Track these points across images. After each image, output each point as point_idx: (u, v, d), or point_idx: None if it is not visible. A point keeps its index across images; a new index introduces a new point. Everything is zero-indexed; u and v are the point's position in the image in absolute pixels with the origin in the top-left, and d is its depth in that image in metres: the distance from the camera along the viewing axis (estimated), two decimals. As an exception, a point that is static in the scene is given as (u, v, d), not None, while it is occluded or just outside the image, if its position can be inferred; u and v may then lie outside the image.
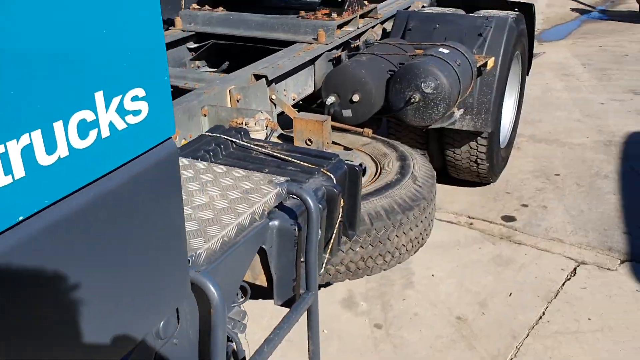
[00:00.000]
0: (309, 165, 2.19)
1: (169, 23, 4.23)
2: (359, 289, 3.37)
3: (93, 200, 0.91)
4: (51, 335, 0.90)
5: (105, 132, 0.91)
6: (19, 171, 0.77)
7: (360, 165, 3.00)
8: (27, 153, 0.78)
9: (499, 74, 3.76)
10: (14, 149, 0.76)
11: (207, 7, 4.04)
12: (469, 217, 4.13)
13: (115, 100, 0.91)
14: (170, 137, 1.06)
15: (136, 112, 0.96)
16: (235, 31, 3.83)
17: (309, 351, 1.98)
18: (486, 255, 3.68)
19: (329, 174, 2.17)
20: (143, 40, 0.94)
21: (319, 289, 3.32)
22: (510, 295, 3.30)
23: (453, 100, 3.28)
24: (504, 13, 4.12)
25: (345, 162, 2.29)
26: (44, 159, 0.81)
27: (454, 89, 3.24)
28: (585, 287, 3.34)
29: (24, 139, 0.77)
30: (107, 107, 0.90)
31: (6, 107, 0.75)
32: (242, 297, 1.84)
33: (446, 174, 4.45)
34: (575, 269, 3.50)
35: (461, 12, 4.33)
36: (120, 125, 0.93)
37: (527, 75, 4.93)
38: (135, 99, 0.95)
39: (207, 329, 1.48)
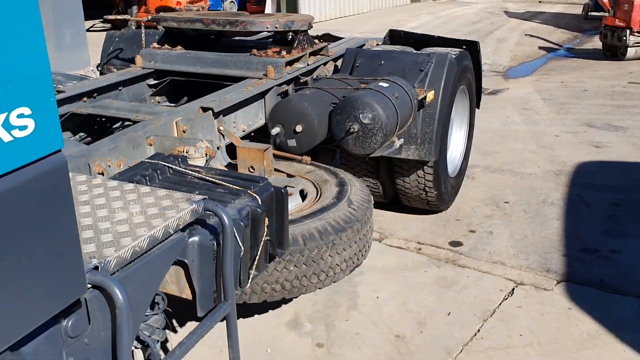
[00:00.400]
0: (237, 188, 2.38)
1: (131, 61, 4.47)
2: (305, 310, 3.51)
3: (-18, 201, 1.09)
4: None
5: (-9, 143, 1.09)
6: None
7: (293, 188, 3.20)
8: None
9: (440, 106, 4.00)
10: None
11: (166, 46, 4.27)
12: (418, 242, 4.30)
13: (1, 117, 1.10)
14: (60, 150, 1.24)
15: (22, 128, 1.14)
16: (192, 68, 4.06)
17: (230, 359, 2.13)
18: (431, 278, 3.84)
19: (254, 195, 2.35)
20: (27, 67, 1.13)
21: (267, 310, 3.48)
22: (449, 314, 3.45)
23: (391, 130, 3.49)
24: (446, 50, 4.38)
25: (273, 185, 2.47)
26: None
27: (391, 120, 3.46)
28: (520, 306, 3.50)
29: None
30: (-8, 122, 1.08)
31: None
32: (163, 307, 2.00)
33: (400, 203, 4.65)
34: (513, 290, 3.67)
35: (410, 49, 4.59)
36: (6, 138, 1.12)
37: (478, 108, 5.17)
38: (21, 116, 1.14)
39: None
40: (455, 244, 4.27)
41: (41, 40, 1.16)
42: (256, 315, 3.45)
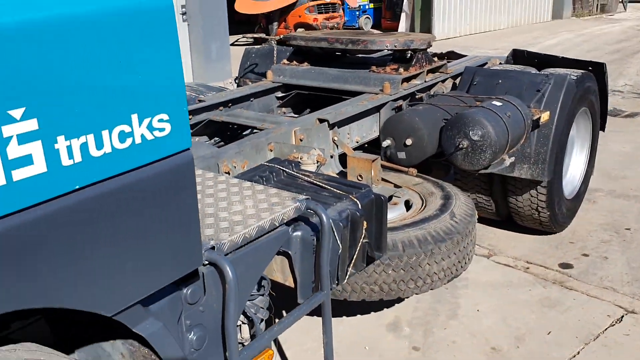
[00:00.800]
0: (340, 192, 2.64)
1: (263, 75, 4.91)
2: (405, 315, 3.68)
3: (130, 183, 1.43)
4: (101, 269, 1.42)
5: (138, 140, 1.43)
6: (77, 157, 1.30)
7: (399, 198, 3.40)
8: (84, 147, 1.31)
9: (556, 127, 4.00)
10: (75, 144, 1.29)
11: (294, 62, 4.66)
12: (527, 262, 4.30)
13: (146, 121, 1.44)
14: (188, 149, 1.57)
15: (161, 130, 1.47)
16: (315, 83, 4.40)
17: (323, 342, 2.38)
18: (535, 297, 3.85)
19: (355, 200, 2.59)
20: (167, 84, 1.46)
21: (369, 312, 3.69)
22: (549, 333, 3.46)
23: (500, 148, 3.57)
24: (567, 71, 4.35)
25: (374, 192, 2.70)
26: (95, 152, 1.34)
27: (501, 138, 3.54)
28: (628, 334, 3.42)
29: (82, 139, 1.31)
30: (140, 124, 1.42)
31: (75, 120, 1.29)
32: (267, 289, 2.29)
33: (514, 221, 4.66)
34: (622, 317, 3.58)
35: (530, 69, 4.61)
36: (149, 137, 1.45)
37: (602, 130, 5.04)
38: (161, 120, 1.47)
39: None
40: (565, 266, 4.21)
41: (178, 62, 1.48)
42: (358, 316, 3.68)
